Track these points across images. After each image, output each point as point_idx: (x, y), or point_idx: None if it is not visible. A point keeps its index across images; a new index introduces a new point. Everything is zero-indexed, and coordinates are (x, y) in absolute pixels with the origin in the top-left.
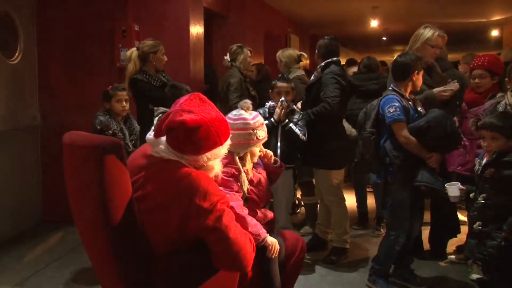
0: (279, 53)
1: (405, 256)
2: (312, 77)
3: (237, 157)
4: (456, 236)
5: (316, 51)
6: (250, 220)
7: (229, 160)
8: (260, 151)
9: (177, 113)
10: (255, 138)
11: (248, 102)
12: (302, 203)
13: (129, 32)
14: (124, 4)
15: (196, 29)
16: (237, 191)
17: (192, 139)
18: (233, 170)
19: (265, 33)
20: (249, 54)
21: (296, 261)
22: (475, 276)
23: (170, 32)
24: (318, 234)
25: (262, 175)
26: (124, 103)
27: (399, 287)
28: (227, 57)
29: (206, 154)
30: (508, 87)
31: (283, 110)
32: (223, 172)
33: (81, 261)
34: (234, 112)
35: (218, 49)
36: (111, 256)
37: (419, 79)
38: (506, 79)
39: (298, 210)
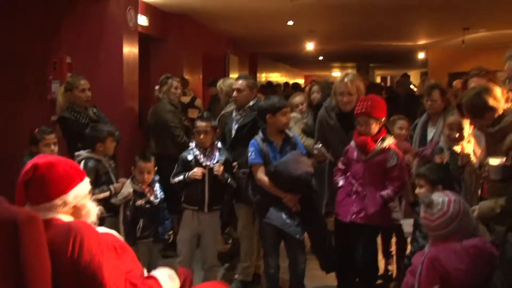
0: (220, 82)
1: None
2: (237, 116)
3: None
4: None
5: (237, 92)
6: None
7: None
8: None
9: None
10: None
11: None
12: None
13: (60, 64)
14: (55, 35)
15: (131, 59)
16: None
17: (51, 181)
18: None
19: (204, 54)
20: (175, 85)
21: None
22: None
23: (103, 62)
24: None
25: None
26: (53, 147)
27: None
28: (157, 87)
29: (73, 191)
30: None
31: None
32: None
33: None
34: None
35: (156, 72)
36: None
37: (277, 119)
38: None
39: (230, 241)
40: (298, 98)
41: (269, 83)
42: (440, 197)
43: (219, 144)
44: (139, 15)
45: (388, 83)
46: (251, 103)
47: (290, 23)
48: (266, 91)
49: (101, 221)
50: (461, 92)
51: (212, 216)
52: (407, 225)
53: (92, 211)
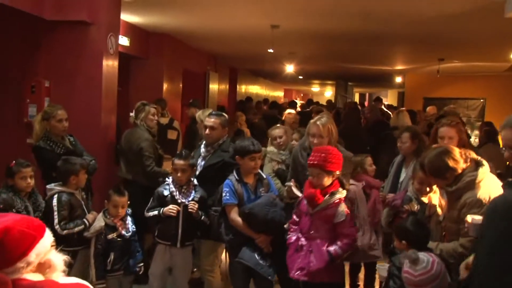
0: (199, 113)
1: None
2: (205, 152)
3: None
4: None
5: (210, 130)
6: None
7: None
8: None
9: None
10: None
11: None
12: None
13: (38, 87)
14: (34, 58)
15: (110, 86)
16: None
17: (10, 247)
18: None
19: (184, 72)
20: (152, 112)
21: None
22: None
23: (82, 88)
24: None
25: None
26: (29, 180)
27: None
28: (133, 114)
29: (34, 250)
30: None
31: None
32: None
33: None
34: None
35: (136, 90)
36: None
37: (245, 163)
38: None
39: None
40: (277, 131)
41: (248, 99)
42: (425, 256)
43: (195, 181)
44: (120, 36)
45: (367, 101)
46: (220, 141)
47: (271, 50)
48: (244, 106)
49: (75, 254)
50: (432, 139)
51: (185, 251)
52: (383, 270)
53: (58, 262)
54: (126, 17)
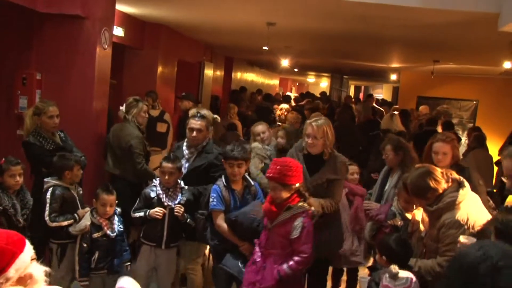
0: (193, 110)
1: None
2: (188, 154)
3: None
4: None
5: (197, 132)
6: None
7: None
8: None
9: None
10: None
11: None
12: None
13: (29, 80)
14: (26, 50)
15: (102, 80)
16: None
17: None
18: None
19: (179, 62)
20: (144, 109)
21: None
22: None
23: (74, 82)
24: None
25: None
26: (18, 178)
27: None
28: (123, 108)
29: (13, 266)
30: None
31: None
32: None
33: None
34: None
35: (131, 79)
36: None
37: (226, 167)
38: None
39: None
40: (260, 127)
41: (242, 89)
42: (405, 274)
43: (182, 184)
44: (115, 27)
45: (362, 93)
46: (204, 142)
47: (266, 48)
48: (237, 97)
49: (64, 247)
50: (426, 154)
51: (169, 253)
52: (364, 282)
53: (39, 275)
54: (122, 7)
